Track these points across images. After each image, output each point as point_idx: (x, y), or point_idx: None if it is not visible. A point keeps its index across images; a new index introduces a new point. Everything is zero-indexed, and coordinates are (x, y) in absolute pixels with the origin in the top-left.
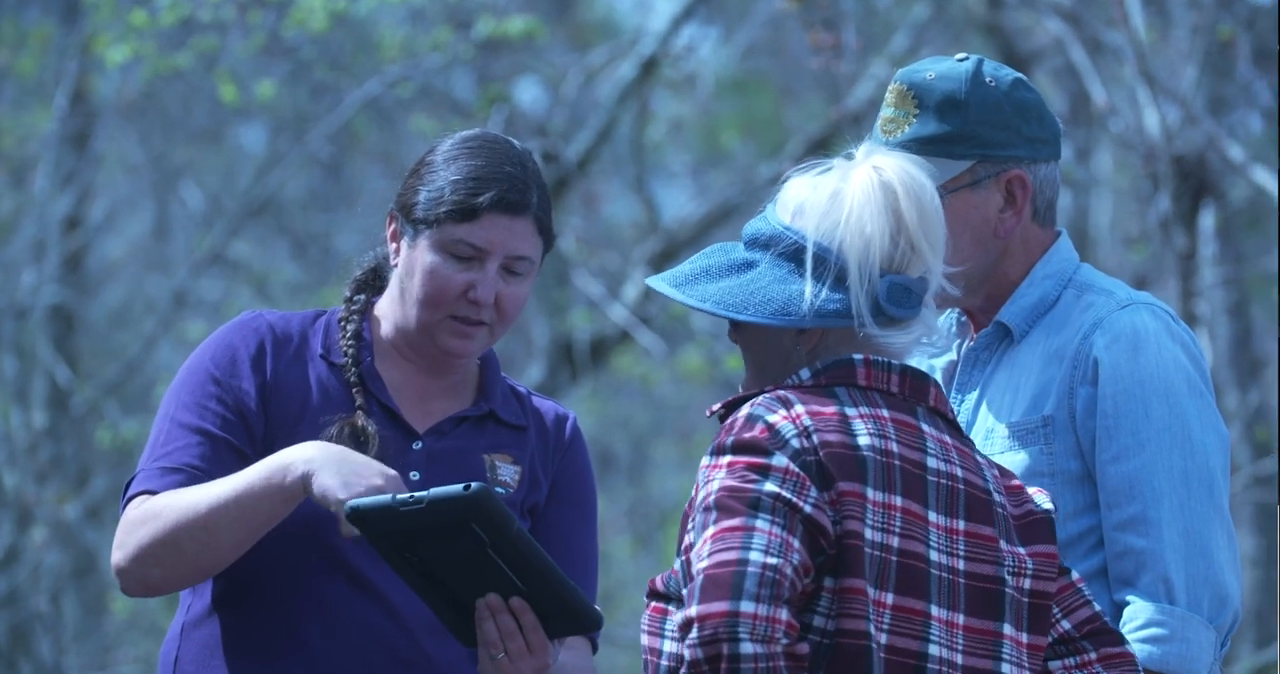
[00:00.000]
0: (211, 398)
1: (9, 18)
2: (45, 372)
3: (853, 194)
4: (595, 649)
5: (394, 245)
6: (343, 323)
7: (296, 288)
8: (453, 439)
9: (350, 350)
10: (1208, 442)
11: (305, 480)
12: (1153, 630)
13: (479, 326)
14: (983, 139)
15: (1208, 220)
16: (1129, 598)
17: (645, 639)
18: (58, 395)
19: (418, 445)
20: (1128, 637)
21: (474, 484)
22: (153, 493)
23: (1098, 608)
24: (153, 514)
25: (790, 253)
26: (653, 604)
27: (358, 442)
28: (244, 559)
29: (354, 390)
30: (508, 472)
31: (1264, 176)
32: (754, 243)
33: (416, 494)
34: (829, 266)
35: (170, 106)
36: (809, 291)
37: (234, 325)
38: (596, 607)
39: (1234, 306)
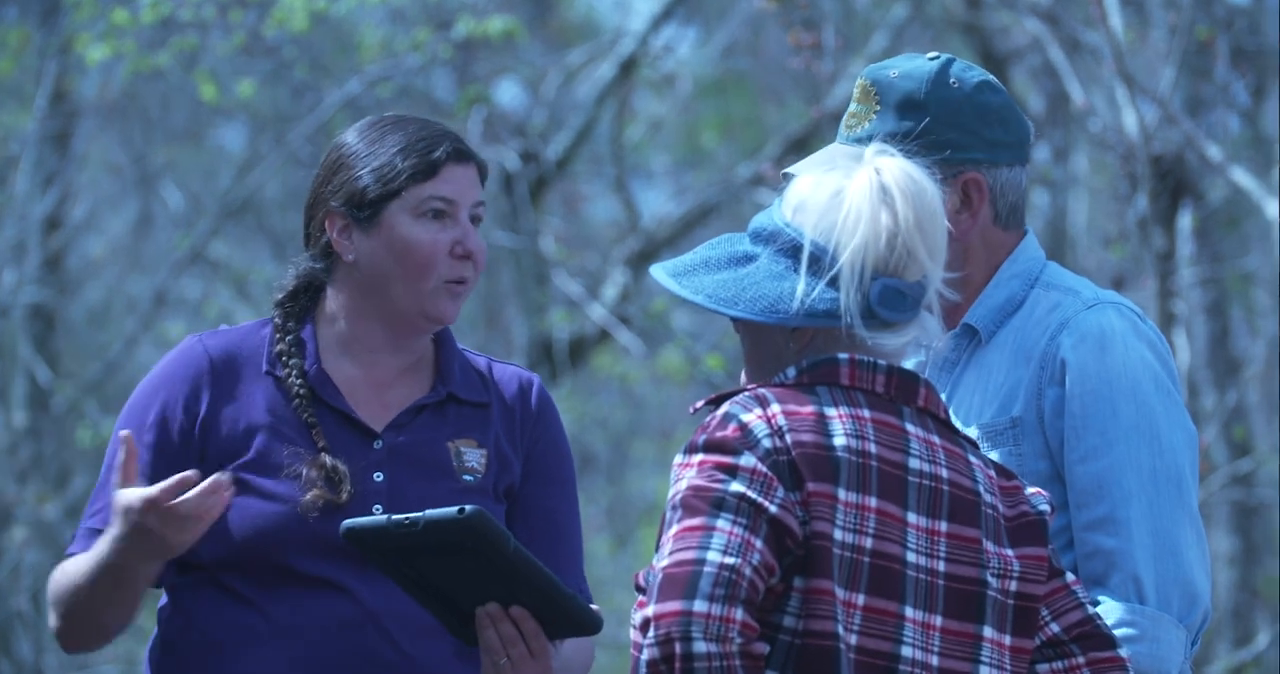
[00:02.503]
0: (145, 448)
1: None
2: (25, 371)
3: (852, 195)
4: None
5: (345, 243)
6: (284, 358)
7: (275, 289)
8: (413, 431)
9: (301, 391)
10: (1176, 440)
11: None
12: (1123, 630)
13: (464, 284)
14: (939, 140)
15: (1185, 220)
16: (1099, 598)
17: (631, 633)
18: (38, 395)
19: (378, 445)
20: None
21: (468, 507)
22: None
23: (1091, 611)
24: (54, 591)
25: (788, 249)
26: (639, 599)
27: (330, 482)
28: (216, 577)
29: (313, 432)
30: (473, 456)
31: (1242, 176)
32: (757, 236)
33: (411, 516)
34: (823, 266)
35: (150, 106)
36: (800, 290)
37: (173, 358)
38: (594, 606)
39: (1212, 306)
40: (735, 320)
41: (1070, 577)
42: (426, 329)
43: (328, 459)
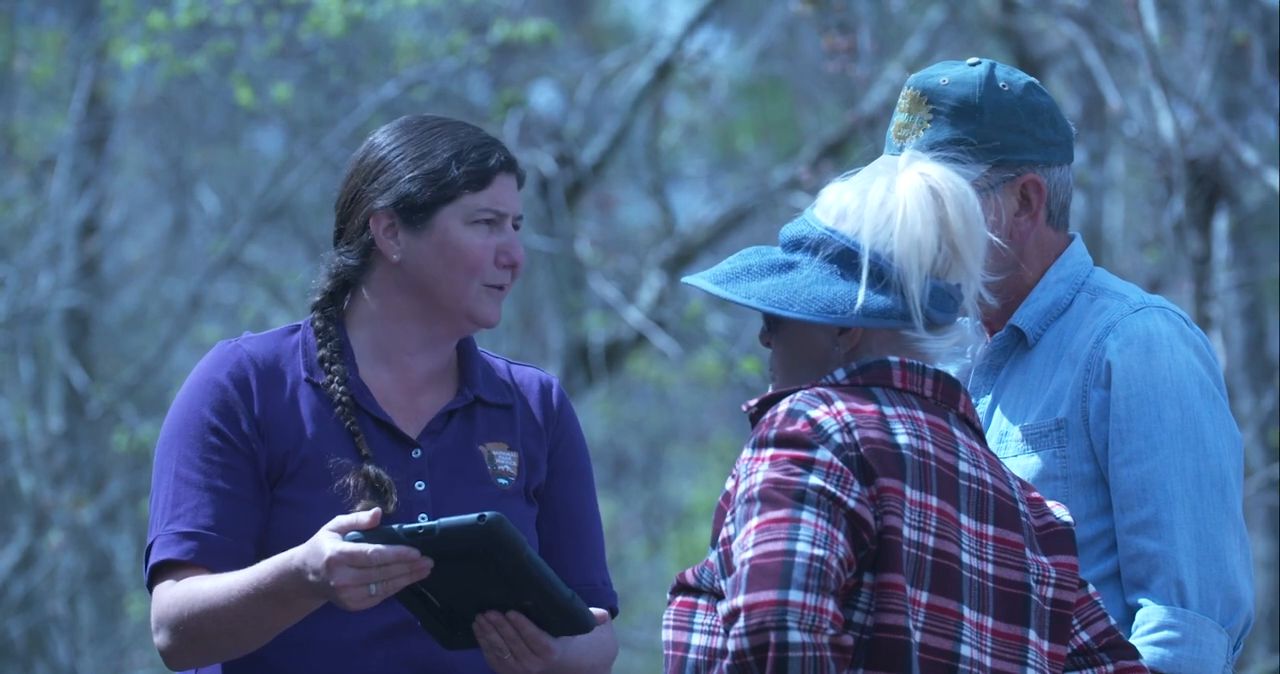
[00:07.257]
0: (214, 450)
1: (25, 22)
2: (61, 375)
3: (904, 199)
4: (614, 613)
5: (390, 242)
6: (326, 364)
7: (310, 291)
8: (448, 437)
9: (344, 398)
10: (1220, 444)
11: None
12: (1165, 633)
13: (502, 289)
14: (999, 143)
15: (1222, 224)
16: (1141, 601)
17: (670, 634)
18: (74, 399)
19: (417, 454)
20: (1140, 640)
21: (488, 514)
22: (175, 564)
23: (1112, 622)
24: (180, 613)
25: (836, 255)
26: (679, 599)
27: (376, 492)
28: None
29: (356, 440)
30: (505, 459)
31: (1278, 180)
32: (796, 245)
33: (427, 524)
34: (879, 268)
35: (186, 110)
36: (861, 293)
37: (215, 362)
38: (602, 610)
39: (1248, 310)
40: (772, 328)
41: (1091, 588)
42: (469, 330)
43: (372, 469)
